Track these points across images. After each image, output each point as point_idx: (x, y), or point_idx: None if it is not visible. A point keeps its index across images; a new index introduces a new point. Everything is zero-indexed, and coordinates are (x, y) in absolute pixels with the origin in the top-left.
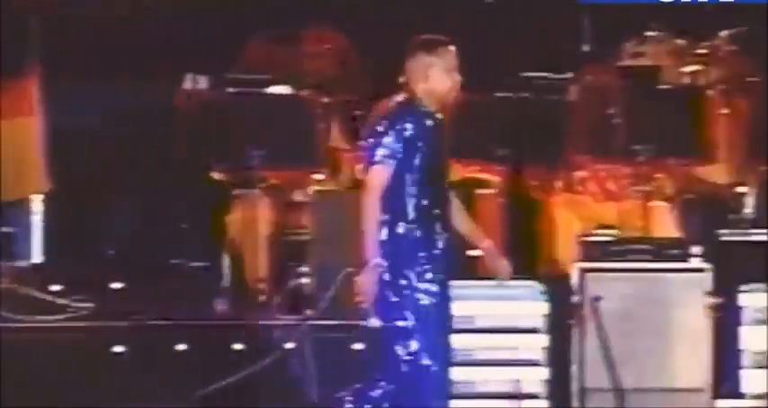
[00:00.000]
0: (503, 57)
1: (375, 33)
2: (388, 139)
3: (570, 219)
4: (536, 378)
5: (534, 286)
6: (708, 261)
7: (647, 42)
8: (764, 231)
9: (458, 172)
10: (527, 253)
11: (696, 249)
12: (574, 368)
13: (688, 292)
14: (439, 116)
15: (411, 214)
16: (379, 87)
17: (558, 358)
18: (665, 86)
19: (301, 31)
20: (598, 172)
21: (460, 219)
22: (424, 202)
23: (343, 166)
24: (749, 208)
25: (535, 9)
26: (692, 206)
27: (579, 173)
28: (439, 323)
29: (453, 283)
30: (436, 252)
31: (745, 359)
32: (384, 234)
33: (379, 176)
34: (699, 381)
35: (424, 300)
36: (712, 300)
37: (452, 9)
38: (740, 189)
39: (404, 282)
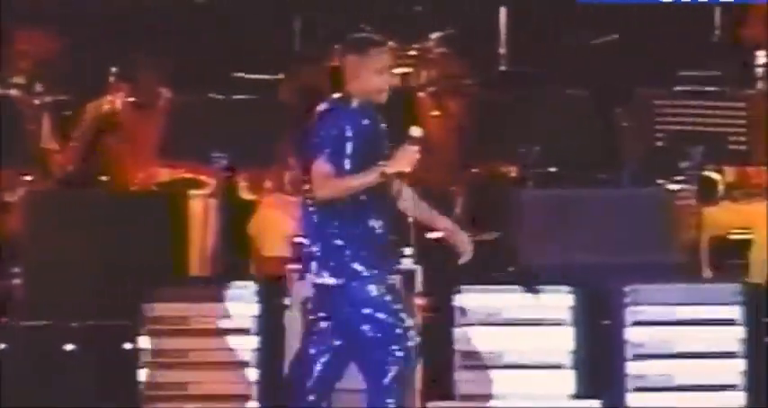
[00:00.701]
0: (215, 57)
1: (86, 32)
2: (325, 138)
3: (282, 220)
4: (247, 380)
5: (246, 287)
6: (419, 263)
7: None
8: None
9: (169, 173)
10: (240, 254)
11: (408, 250)
12: (285, 369)
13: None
14: (372, 114)
15: (346, 211)
16: (90, 87)
17: (269, 359)
18: None
19: (12, 31)
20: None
21: (414, 205)
22: (362, 196)
23: (53, 167)
24: (459, 208)
25: (247, 9)
26: None
27: (290, 174)
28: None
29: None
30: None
31: (457, 360)
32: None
33: (323, 171)
34: None
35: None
36: (424, 301)
37: (163, 9)
38: (451, 189)
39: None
